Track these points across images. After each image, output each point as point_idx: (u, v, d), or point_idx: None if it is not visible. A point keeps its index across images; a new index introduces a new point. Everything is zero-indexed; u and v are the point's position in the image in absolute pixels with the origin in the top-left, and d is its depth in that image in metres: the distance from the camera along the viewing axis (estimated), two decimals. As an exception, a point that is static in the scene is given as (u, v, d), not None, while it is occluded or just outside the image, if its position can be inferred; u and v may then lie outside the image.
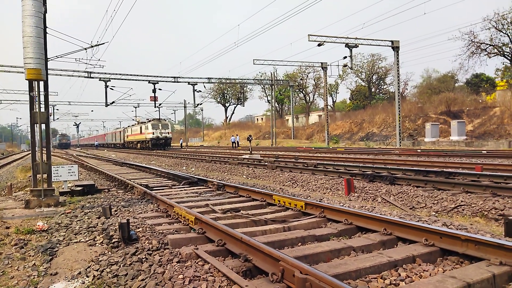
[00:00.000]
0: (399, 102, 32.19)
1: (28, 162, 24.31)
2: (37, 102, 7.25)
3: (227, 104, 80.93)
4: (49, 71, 7.74)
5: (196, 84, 45.23)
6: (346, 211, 4.96)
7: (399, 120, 32.14)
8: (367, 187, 8.37)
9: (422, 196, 7.13)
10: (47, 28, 7.54)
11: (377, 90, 62.34)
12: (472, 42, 37.01)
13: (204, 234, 4.45)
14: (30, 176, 8.87)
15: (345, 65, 34.91)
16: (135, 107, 66.20)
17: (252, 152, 23.35)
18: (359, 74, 60.69)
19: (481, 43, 37.00)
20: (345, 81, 75.48)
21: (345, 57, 32.87)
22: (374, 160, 14.55)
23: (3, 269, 3.89)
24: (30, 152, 7.35)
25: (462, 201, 6.48)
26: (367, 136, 41.82)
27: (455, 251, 3.59)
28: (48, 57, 7.61)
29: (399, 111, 32.20)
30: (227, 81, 53.69)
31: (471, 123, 33.74)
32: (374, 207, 6.47)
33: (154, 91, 41.12)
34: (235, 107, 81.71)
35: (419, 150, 21.90)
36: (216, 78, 49.39)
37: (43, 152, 7.57)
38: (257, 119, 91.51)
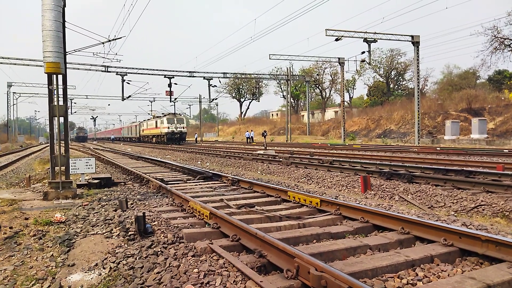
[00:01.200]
0: (418, 98, 31.60)
1: (46, 155, 24.91)
2: (55, 96, 7.40)
3: (242, 99, 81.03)
4: (67, 65, 7.88)
5: (212, 78, 45.39)
6: (362, 209, 4.92)
7: (418, 117, 31.57)
8: (384, 185, 8.28)
9: (441, 195, 7.01)
10: (65, 22, 7.67)
11: (396, 86, 61.35)
12: (495, 37, 35.96)
13: (218, 229, 4.49)
14: (48, 168, 9.09)
15: (363, 60, 34.41)
16: (151, 102, 66.99)
17: (267, 148, 23.35)
18: (377, 70, 59.92)
19: (505, 39, 35.91)
20: (363, 76, 74.78)
21: (363, 52, 32.42)
22: (391, 158, 14.36)
23: (23, 259, 4.01)
24: (48, 144, 7.52)
25: (482, 201, 6.34)
26: (385, 133, 41.25)
27: (474, 252, 3.52)
28: (66, 51, 7.75)
29: (418, 107, 31.62)
30: (243, 76, 53.67)
31: (493, 121, 32.89)
32: (391, 206, 6.40)
33: (169, 85, 41.42)
34: (250, 102, 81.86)
35: (438, 148, 21.50)
36: (231, 73, 49.49)
37: (61, 145, 7.74)
38: (272, 114, 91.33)
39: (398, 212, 5.37)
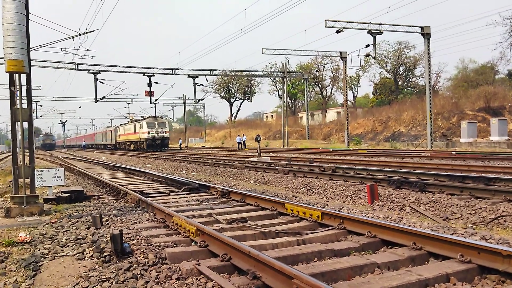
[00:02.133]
0: (430, 97, 31.95)
1: (8, 165, 24.65)
2: (18, 98, 7.35)
3: (232, 100, 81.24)
4: (31, 63, 7.84)
5: (197, 76, 45.46)
6: (369, 222, 4.96)
7: (431, 118, 31.89)
8: (394, 194, 8.33)
9: (457, 205, 7.07)
10: (29, 14, 7.65)
11: (405, 83, 61.96)
12: (515, 27, 36.51)
13: (207, 247, 4.49)
14: (11, 181, 9.00)
15: (367, 55, 34.76)
16: (128, 103, 66.80)
17: (261, 154, 23.38)
18: (384, 65, 60.49)
19: (526, 29, 36.51)
20: (368, 73, 75.50)
21: (367, 46, 32.74)
22: (401, 164, 14.47)
23: (-18, 286, 3.96)
24: (10, 154, 7.46)
25: (503, 211, 6.41)
26: (393, 136, 41.58)
27: (495, 269, 3.56)
28: (30, 46, 7.72)
29: (431, 107, 31.96)
30: (233, 73, 53.83)
31: (515, 121, 33.31)
32: (402, 218, 6.44)
33: (149, 84, 41.43)
34: (241, 103, 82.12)
35: (453, 153, 21.71)
36: (220, 70, 49.63)
37: (25, 154, 7.67)
38: (267, 116, 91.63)
39: (409, 225, 5.40)
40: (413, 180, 9.47)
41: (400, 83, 60.96)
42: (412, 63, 58.76)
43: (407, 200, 7.87)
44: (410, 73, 60.77)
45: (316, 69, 64.43)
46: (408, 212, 7.35)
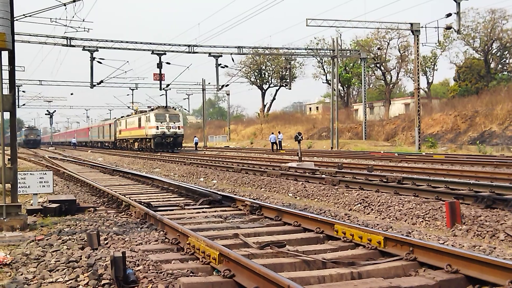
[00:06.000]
0: (534, 84, 30.96)
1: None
2: (-1, 81, 7.60)
3: (265, 86, 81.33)
4: (15, 37, 8.07)
5: (221, 55, 45.72)
6: (449, 252, 4.90)
7: (534, 113, 30.89)
8: (482, 216, 8.19)
9: None
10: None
11: (499, 66, 60.24)
12: None
13: (232, 278, 4.55)
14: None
15: (448, 27, 34.03)
16: (132, 89, 68.08)
17: (302, 159, 23.34)
18: (471, 41, 59.00)
19: None
20: (448, 51, 73.93)
21: (448, 15, 32.05)
22: (493, 175, 14.14)
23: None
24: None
25: None
26: (482, 137, 40.53)
27: None
28: (14, 16, 7.96)
29: (534, 98, 30.96)
30: (267, 51, 53.88)
31: None
32: (494, 248, 6.32)
33: (159, 66, 41.98)
34: (277, 91, 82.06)
35: None
36: (250, 47, 49.72)
37: (5, 152, 7.93)
38: (310, 108, 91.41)
39: (504, 258, 5.28)
40: (510, 197, 9.24)
41: (492, 65, 59.34)
42: (510, 38, 57.06)
43: (501, 224, 7.72)
44: (507, 52, 59.04)
45: (378, 46, 63.54)
46: (502, 240, 7.21)
